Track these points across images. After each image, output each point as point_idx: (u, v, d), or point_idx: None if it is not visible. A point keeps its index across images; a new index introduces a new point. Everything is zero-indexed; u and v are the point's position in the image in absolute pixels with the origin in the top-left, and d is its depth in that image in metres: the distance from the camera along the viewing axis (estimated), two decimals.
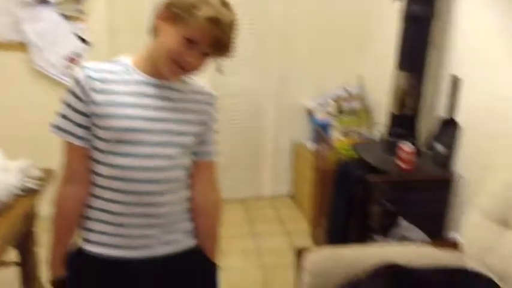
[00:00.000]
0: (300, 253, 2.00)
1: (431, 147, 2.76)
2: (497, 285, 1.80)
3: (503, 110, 2.25)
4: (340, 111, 3.57)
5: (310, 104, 3.95)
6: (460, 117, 2.59)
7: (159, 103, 1.33)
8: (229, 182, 4.35)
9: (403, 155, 2.59)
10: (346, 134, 3.49)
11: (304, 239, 3.59)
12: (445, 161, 2.62)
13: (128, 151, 1.29)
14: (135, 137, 1.29)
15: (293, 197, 4.40)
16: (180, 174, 1.38)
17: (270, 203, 4.35)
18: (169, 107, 1.34)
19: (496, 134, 2.30)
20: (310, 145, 3.90)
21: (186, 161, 1.39)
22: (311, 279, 1.92)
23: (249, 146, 4.32)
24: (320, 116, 3.72)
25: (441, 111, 2.74)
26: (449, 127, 2.64)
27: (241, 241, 3.63)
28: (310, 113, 4.03)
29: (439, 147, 2.68)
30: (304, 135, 4.18)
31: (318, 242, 3.32)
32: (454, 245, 2.09)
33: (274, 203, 4.33)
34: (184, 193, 1.42)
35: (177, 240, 1.41)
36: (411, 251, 2.07)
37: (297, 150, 4.24)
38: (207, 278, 1.52)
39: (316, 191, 3.46)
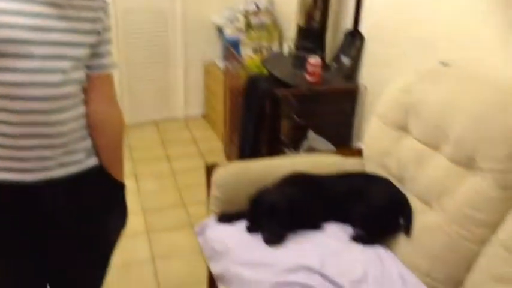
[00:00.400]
0: (210, 169, 2.01)
1: (337, 60, 2.81)
2: (394, 185, 1.94)
3: (402, 19, 2.33)
4: (249, 26, 3.51)
5: (219, 20, 3.83)
6: (363, 29, 2.64)
7: (46, 10, 1.20)
8: (142, 105, 4.23)
9: (311, 69, 2.62)
10: (256, 51, 3.45)
11: (217, 158, 3.63)
12: (350, 73, 2.69)
13: (14, 66, 1.17)
14: (20, 49, 1.16)
15: (206, 117, 4.38)
16: (73, 89, 1.28)
17: (183, 124, 4.31)
18: (58, 14, 1.21)
19: (396, 43, 2.38)
20: (221, 63, 3.83)
21: (80, 75, 1.30)
22: (221, 193, 1.95)
23: (158, 66, 4.17)
24: (229, 33, 3.63)
25: (348, 24, 2.77)
26: (354, 39, 2.68)
27: (155, 164, 3.59)
28: (219, 30, 3.92)
29: (345, 60, 2.73)
30: (215, 54, 4.10)
31: (230, 159, 3.37)
32: (358, 153, 2.19)
33: (187, 124, 4.30)
34: (81, 110, 1.33)
35: (77, 160, 1.34)
36: (318, 160, 2.15)
37: (208, 69, 4.16)
38: (113, 198, 1.48)
39: (227, 109, 3.46)
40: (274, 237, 1.72)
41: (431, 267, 1.67)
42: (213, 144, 3.89)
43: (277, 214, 1.76)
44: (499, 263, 1.47)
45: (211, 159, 3.61)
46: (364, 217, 1.85)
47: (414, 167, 1.89)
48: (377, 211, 1.85)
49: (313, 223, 1.86)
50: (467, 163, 1.68)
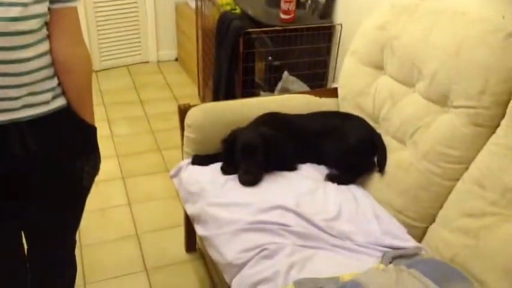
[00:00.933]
0: (183, 110, 1.96)
1: None
2: (368, 123, 1.93)
3: None
4: None
5: None
6: None
7: None
8: (112, 49, 4.09)
9: (285, 6, 2.54)
10: None
11: (192, 102, 3.56)
12: (325, 11, 2.62)
13: None
14: None
15: (180, 60, 4.27)
16: (35, 24, 1.20)
17: (156, 68, 4.20)
18: None
19: None
20: (193, 3, 3.69)
21: (41, 8, 1.21)
22: (194, 134, 1.91)
23: (128, 8, 4.00)
24: None
25: None
26: None
27: (128, 108, 3.52)
28: None
29: None
30: None
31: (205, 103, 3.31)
32: (333, 93, 2.17)
33: (160, 68, 4.19)
34: (45, 47, 1.26)
35: (44, 101, 1.28)
36: (292, 100, 2.12)
37: (180, 9, 4.02)
38: (84, 141, 1.44)
39: (200, 51, 3.36)
40: (249, 177, 1.72)
41: (404, 204, 1.70)
42: (187, 88, 3.82)
43: (252, 153, 1.75)
44: (470, 198, 1.50)
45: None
46: (338, 156, 1.86)
47: (389, 105, 1.88)
48: (351, 150, 1.85)
49: (289, 164, 1.85)
50: (441, 100, 1.67)
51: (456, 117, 1.61)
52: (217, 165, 1.83)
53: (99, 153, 1.46)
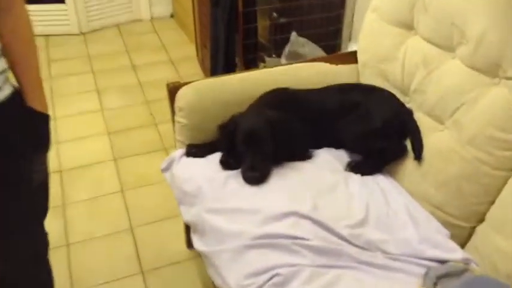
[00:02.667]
0: (172, 90, 1.63)
1: None
2: (397, 98, 1.60)
3: None
4: None
5: None
6: None
7: None
8: (102, 7, 3.70)
9: None
10: None
11: (191, 67, 3.21)
12: None
13: None
14: None
15: (175, 17, 3.88)
16: None
17: (150, 27, 3.82)
18: None
19: None
20: None
21: None
22: (187, 119, 1.59)
23: None
24: None
25: None
26: None
27: (121, 75, 3.18)
28: None
29: None
30: None
31: (205, 67, 2.96)
32: (351, 58, 1.82)
33: (154, 27, 3.81)
34: None
35: None
36: (303, 70, 1.77)
37: None
38: (35, 132, 1.16)
39: (196, 7, 2.97)
40: (254, 174, 1.41)
41: (444, 198, 1.39)
42: (185, 49, 3.45)
43: (256, 144, 1.43)
44: None
45: (183, 69, 3.22)
46: (362, 140, 1.54)
47: (422, 74, 1.54)
48: (376, 131, 1.52)
49: (302, 152, 1.54)
50: (491, 69, 1.34)
51: (510, 92, 1.27)
52: (216, 157, 1.52)
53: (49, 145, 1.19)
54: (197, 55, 3.21)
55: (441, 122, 1.47)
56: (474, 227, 1.37)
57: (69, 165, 2.36)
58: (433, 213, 1.41)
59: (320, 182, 1.43)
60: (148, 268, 1.87)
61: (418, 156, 1.46)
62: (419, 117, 1.54)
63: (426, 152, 1.48)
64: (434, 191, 1.42)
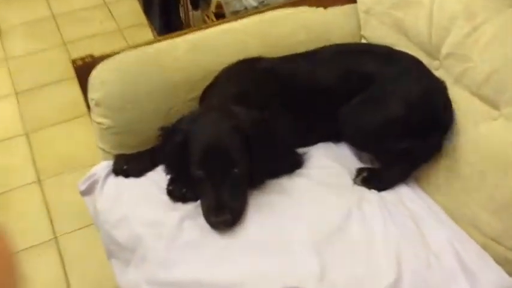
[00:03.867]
0: (81, 71, 1.04)
1: None
2: (424, 67, 1.08)
3: None
4: None
5: None
6: None
7: None
8: None
9: None
10: None
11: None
12: None
13: None
14: None
15: None
16: None
17: None
18: None
19: None
20: None
21: None
22: (110, 120, 1.03)
23: None
24: None
25: None
26: None
27: (29, 6, 2.44)
28: None
29: None
30: None
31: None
32: None
33: None
34: None
35: None
36: (279, 23, 1.19)
37: None
38: None
39: None
40: (224, 216, 0.89)
41: (504, 225, 0.94)
42: None
43: (224, 165, 0.90)
44: None
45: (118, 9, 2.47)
46: (376, 136, 1.03)
47: (463, 30, 1.02)
48: (399, 123, 1.02)
49: (289, 161, 1.03)
50: None
51: None
52: (160, 176, 0.99)
53: None
54: None
55: (495, 107, 0.99)
56: None
57: None
58: (485, 248, 0.97)
59: (324, 216, 0.94)
60: None
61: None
62: (456, 96, 1.04)
63: (470, 153, 1.00)
64: (487, 215, 0.96)
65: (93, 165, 1.07)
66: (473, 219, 0.98)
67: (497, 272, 0.92)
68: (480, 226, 0.97)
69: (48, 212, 1.59)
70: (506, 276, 0.92)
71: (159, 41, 1.12)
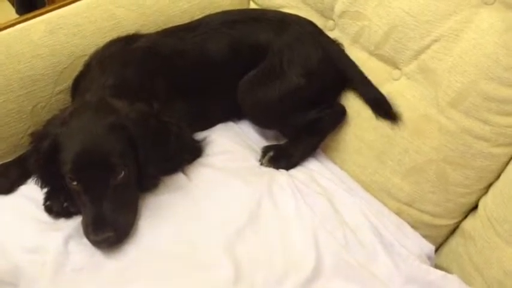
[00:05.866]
0: None
1: None
2: (321, 32, 0.99)
3: None
4: None
5: None
6: None
7: None
8: None
9: None
10: None
11: None
12: None
13: None
14: None
15: None
16: None
17: None
18: None
19: None
20: None
21: None
22: None
23: None
24: None
25: None
26: None
27: None
28: None
29: None
30: None
31: None
32: None
33: None
34: None
35: None
36: None
37: None
38: None
39: None
40: (105, 233, 0.74)
41: (417, 191, 0.92)
42: None
43: (104, 174, 0.76)
44: None
45: None
46: (277, 111, 0.95)
47: None
48: (300, 93, 0.94)
49: (188, 152, 0.91)
50: None
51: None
52: (36, 190, 0.83)
53: None
54: None
55: (395, 66, 0.94)
56: (458, 223, 0.94)
57: None
58: (399, 213, 0.94)
59: (231, 210, 0.84)
60: None
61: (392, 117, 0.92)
62: (355, 58, 0.98)
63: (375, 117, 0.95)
64: (399, 180, 0.93)
65: None
66: (385, 185, 0.94)
67: (415, 239, 0.90)
68: (393, 192, 0.94)
69: None
70: (425, 242, 0.90)
71: (11, 25, 0.92)
